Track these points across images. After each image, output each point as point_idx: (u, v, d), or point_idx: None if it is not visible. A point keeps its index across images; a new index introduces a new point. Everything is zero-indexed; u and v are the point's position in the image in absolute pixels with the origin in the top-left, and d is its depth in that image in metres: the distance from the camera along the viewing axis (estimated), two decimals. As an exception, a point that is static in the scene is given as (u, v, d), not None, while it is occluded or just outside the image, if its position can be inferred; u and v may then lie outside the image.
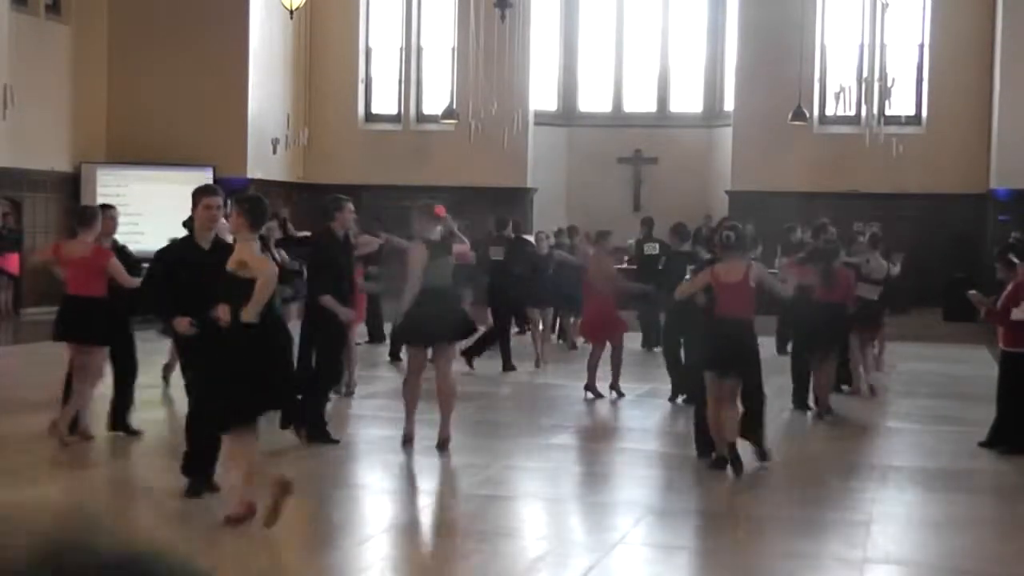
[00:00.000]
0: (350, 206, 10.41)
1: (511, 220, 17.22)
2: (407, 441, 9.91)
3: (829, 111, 25.41)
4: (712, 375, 9.43)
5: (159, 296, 8.08)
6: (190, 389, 8.11)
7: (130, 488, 9.05)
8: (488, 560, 7.01)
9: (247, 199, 7.56)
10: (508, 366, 15.36)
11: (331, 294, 10.01)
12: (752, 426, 9.60)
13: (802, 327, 12.57)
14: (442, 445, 9.87)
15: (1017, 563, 7.32)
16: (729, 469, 9.31)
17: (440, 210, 10.03)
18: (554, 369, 15.52)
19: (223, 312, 7.32)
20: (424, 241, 9.78)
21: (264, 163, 24.77)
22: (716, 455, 9.47)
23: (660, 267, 13.20)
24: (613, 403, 12.92)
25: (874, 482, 9.30)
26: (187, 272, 7.77)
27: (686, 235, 12.94)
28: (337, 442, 10.04)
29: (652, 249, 17.67)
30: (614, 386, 13.12)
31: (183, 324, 7.78)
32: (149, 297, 8.34)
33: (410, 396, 9.97)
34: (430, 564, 7.03)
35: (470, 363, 14.90)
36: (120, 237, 10.98)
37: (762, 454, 9.56)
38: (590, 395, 13.07)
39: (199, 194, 8.13)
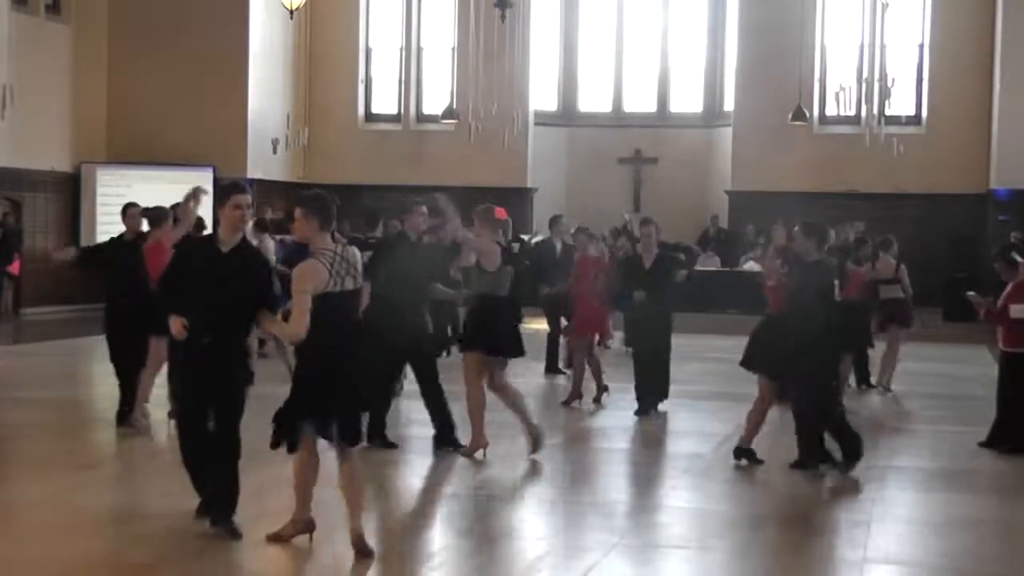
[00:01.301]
0: (422, 208, 10.03)
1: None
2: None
3: (829, 111, 25.39)
4: None
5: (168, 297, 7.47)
6: (177, 400, 7.71)
7: (132, 487, 9.04)
8: (488, 560, 7.01)
9: (311, 197, 6.93)
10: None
11: (395, 296, 9.70)
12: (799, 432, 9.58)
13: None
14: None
15: (1017, 563, 7.33)
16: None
17: (502, 212, 9.85)
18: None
19: (275, 326, 7.12)
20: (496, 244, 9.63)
21: (264, 163, 24.77)
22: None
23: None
24: (599, 405, 12.81)
25: (874, 482, 9.30)
26: (199, 276, 7.17)
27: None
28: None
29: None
30: (600, 391, 12.91)
31: (177, 325, 7.14)
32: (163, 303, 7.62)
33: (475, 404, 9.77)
34: (430, 564, 7.03)
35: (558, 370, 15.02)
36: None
37: (800, 462, 9.44)
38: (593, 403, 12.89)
39: (227, 192, 7.25)
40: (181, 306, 7.20)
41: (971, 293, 11.06)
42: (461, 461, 9.68)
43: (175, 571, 6.78)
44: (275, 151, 24.34)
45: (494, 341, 9.59)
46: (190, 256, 7.43)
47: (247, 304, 7.11)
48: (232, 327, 7.22)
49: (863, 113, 24.94)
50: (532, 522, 8.31)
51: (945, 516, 8.43)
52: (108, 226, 24.53)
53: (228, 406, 7.25)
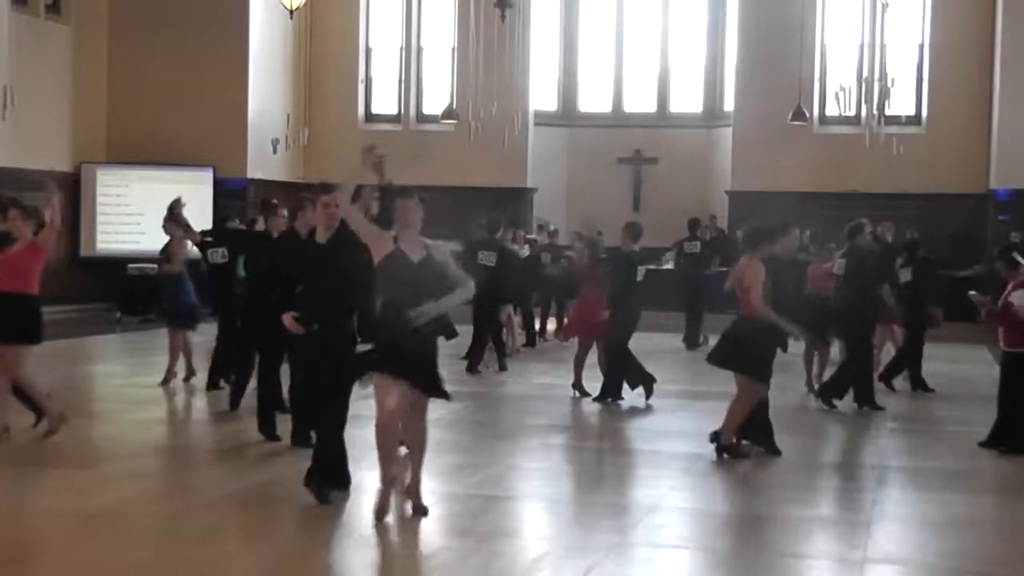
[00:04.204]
0: (282, 211, 10.82)
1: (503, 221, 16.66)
2: None
3: (829, 111, 25.39)
4: None
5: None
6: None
7: (129, 486, 9.04)
8: (488, 560, 7.01)
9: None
10: (503, 366, 15.55)
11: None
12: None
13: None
14: None
15: (1017, 564, 7.32)
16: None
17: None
18: (553, 368, 15.48)
19: None
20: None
21: (264, 163, 24.77)
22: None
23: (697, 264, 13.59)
24: (604, 403, 12.87)
25: (874, 482, 9.30)
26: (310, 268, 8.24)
27: (638, 234, 13.04)
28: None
29: (693, 247, 18.59)
30: (576, 384, 13.34)
31: (290, 320, 8.33)
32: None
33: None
34: (430, 564, 7.02)
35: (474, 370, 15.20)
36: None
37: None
38: (576, 393, 13.26)
39: (315, 193, 8.64)
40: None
41: (973, 292, 11.06)
42: (460, 461, 9.68)
43: (174, 571, 6.77)
44: (275, 151, 24.35)
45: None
46: (291, 250, 8.79)
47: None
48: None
49: (863, 113, 24.91)
50: (532, 522, 8.31)
51: (945, 516, 8.42)
52: (108, 226, 24.61)
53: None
